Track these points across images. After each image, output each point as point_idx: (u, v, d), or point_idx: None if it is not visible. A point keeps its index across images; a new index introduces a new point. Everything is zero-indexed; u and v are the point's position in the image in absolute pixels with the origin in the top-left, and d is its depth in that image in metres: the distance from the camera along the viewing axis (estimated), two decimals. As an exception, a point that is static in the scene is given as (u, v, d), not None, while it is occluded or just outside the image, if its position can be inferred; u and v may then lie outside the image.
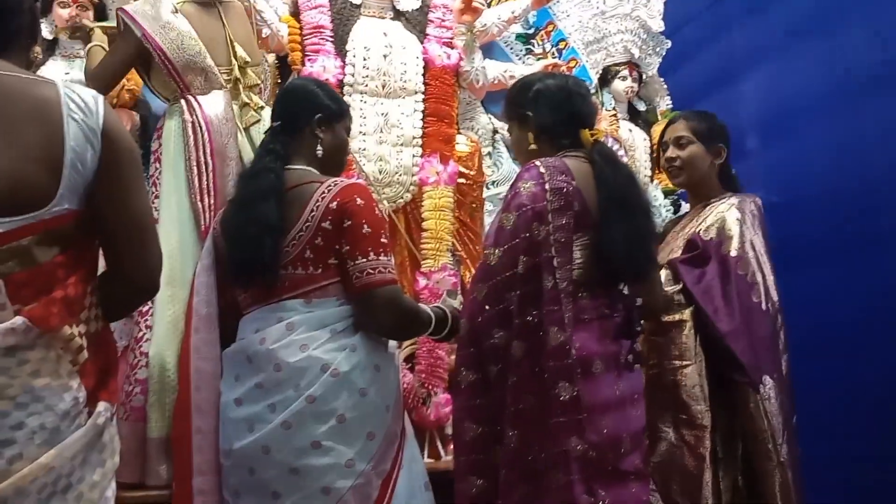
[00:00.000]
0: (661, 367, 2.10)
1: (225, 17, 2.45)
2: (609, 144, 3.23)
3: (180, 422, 1.84)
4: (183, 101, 2.34)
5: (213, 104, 2.35)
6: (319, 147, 1.90)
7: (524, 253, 1.73)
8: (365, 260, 1.73)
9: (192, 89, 2.35)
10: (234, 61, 2.43)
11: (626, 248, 1.80)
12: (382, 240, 1.77)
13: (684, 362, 2.09)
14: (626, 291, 1.89)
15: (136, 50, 2.31)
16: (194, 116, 2.30)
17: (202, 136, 2.28)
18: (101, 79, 2.31)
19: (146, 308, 2.17)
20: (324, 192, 1.78)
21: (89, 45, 2.46)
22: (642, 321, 2.04)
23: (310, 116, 1.90)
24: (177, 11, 2.34)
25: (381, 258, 1.74)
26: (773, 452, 2.04)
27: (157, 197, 2.28)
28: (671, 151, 2.35)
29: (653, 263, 1.94)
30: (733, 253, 2.17)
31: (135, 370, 2.14)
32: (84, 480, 1.19)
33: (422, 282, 2.72)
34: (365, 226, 1.74)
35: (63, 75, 2.78)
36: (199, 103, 2.32)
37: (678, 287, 2.15)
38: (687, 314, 2.13)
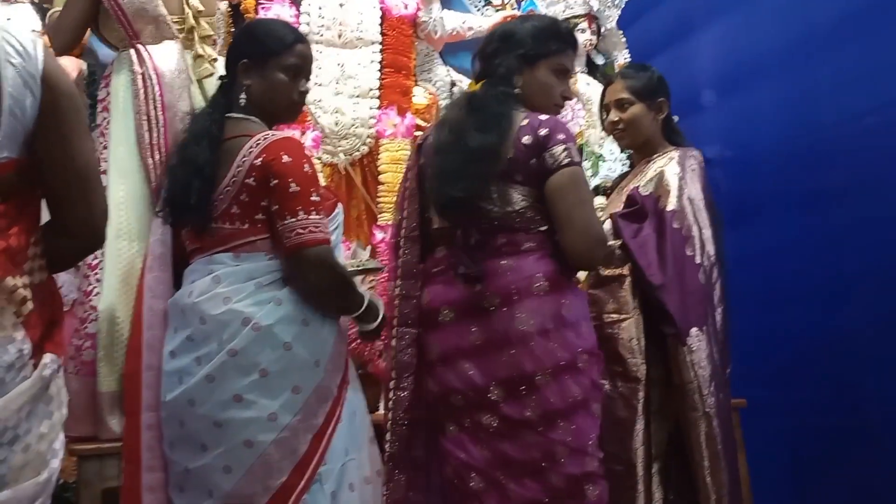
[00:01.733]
0: (600, 321, 2.12)
1: None
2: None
3: (132, 359, 1.82)
4: (132, 51, 2.25)
5: (165, 56, 2.27)
6: (243, 95, 1.81)
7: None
8: (294, 220, 1.67)
9: (142, 38, 2.26)
10: (187, 10, 2.35)
11: (434, 187, 1.86)
12: (313, 198, 1.70)
13: (622, 316, 2.13)
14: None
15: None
16: (144, 68, 2.22)
17: (153, 89, 2.20)
18: (63, 31, 2.24)
19: (95, 261, 2.13)
20: (251, 147, 1.72)
21: (50, 12, 2.36)
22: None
23: (235, 63, 1.84)
24: None
25: (311, 216, 1.68)
26: (699, 402, 2.08)
27: (105, 147, 2.22)
28: (613, 114, 2.34)
29: (469, 197, 1.79)
30: (670, 207, 2.20)
31: (85, 324, 2.11)
32: (31, 432, 1.18)
33: (378, 235, 2.72)
34: (292, 184, 1.68)
35: (5, 20, 2.66)
36: (149, 54, 2.24)
37: (618, 242, 2.17)
38: (626, 269, 2.16)
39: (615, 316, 2.14)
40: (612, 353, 2.09)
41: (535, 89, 1.88)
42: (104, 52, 2.68)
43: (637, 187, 2.28)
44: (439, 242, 1.91)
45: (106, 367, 2.07)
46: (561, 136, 1.78)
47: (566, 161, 1.77)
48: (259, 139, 1.74)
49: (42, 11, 2.77)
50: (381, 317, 1.86)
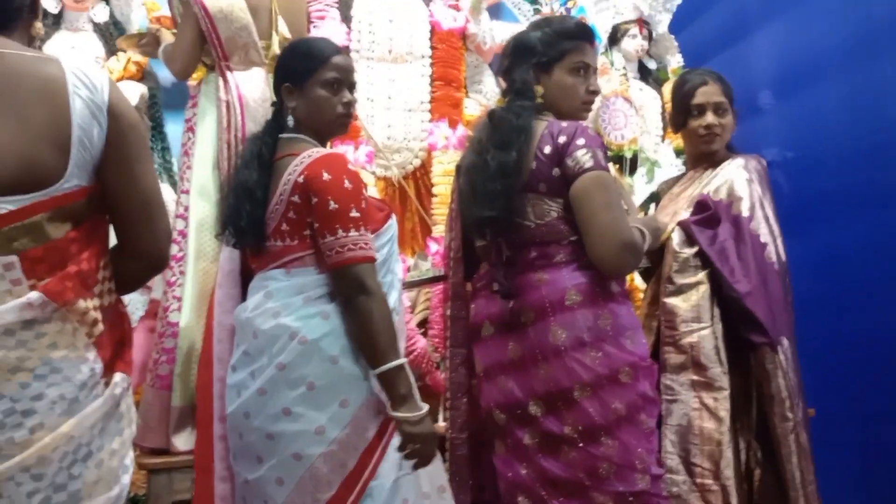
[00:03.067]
0: (677, 330, 2.09)
1: None
2: (620, 104, 3.22)
3: (204, 371, 1.88)
4: (220, 77, 2.26)
5: (251, 83, 2.28)
6: (291, 117, 1.85)
7: None
8: (333, 238, 1.68)
9: (230, 62, 2.27)
10: (274, 36, 2.37)
11: (469, 212, 1.87)
12: (352, 214, 1.69)
13: (702, 325, 2.09)
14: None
15: (196, 15, 2.23)
16: (230, 96, 2.23)
17: (236, 119, 2.21)
18: (180, 56, 2.27)
19: (173, 279, 2.19)
20: (296, 165, 1.75)
21: (162, 45, 2.41)
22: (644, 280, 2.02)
23: (279, 87, 1.87)
24: None
25: (350, 234, 1.68)
26: (790, 413, 2.04)
27: (188, 168, 2.26)
28: (712, 118, 2.26)
29: (498, 215, 1.79)
30: (745, 213, 2.15)
31: (162, 339, 2.17)
32: (103, 448, 1.23)
33: (433, 247, 2.73)
34: (331, 202, 1.69)
35: (69, 49, 2.78)
36: (235, 82, 2.25)
37: (694, 249, 2.13)
38: (702, 276, 2.11)
39: (695, 325, 2.09)
40: (694, 364, 2.07)
41: (556, 95, 1.86)
42: (164, 74, 2.77)
43: (707, 193, 2.22)
44: (483, 259, 1.92)
45: (181, 382, 2.13)
46: (581, 141, 1.74)
47: (589, 165, 1.72)
48: (304, 157, 1.76)
49: (104, 38, 2.88)
50: (419, 408, 1.68)
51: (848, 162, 2.98)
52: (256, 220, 1.77)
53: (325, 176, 1.71)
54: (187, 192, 2.23)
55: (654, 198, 2.55)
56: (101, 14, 2.91)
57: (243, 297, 1.91)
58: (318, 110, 1.85)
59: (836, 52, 3.05)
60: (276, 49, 2.35)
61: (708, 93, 2.27)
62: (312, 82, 1.84)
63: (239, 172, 1.84)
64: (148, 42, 2.48)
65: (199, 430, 1.89)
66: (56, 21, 2.88)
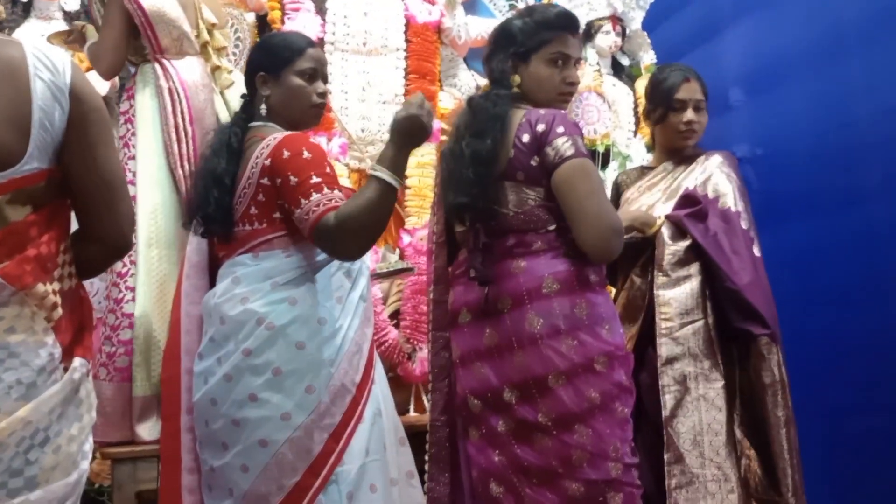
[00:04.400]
0: (672, 322, 2.11)
1: None
2: (593, 100, 3.24)
3: (169, 364, 1.87)
4: (157, 65, 2.30)
5: (190, 69, 2.33)
6: (263, 106, 1.86)
7: None
8: (299, 210, 1.67)
9: (166, 53, 2.31)
10: (201, 24, 2.40)
11: (443, 194, 1.89)
12: (313, 181, 1.66)
13: (695, 317, 2.11)
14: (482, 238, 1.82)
15: (124, 13, 2.25)
16: (171, 82, 2.26)
17: (180, 103, 2.25)
18: (106, 53, 2.27)
19: (125, 269, 2.18)
20: (262, 149, 1.76)
21: (88, 43, 2.41)
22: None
23: (252, 77, 1.89)
24: None
25: (312, 198, 1.65)
26: (784, 405, 2.08)
27: (131, 158, 2.27)
28: (692, 115, 2.29)
29: (471, 202, 1.79)
30: (733, 207, 2.18)
31: (117, 331, 2.16)
32: (61, 434, 1.21)
33: (405, 239, 2.74)
34: (291, 177, 1.68)
35: (39, 37, 2.75)
36: (175, 68, 2.29)
37: (686, 243, 2.14)
38: (695, 269, 2.13)
39: (688, 318, 2.11)
40: (691, 356, 2.08)
41: (532, 85, 1.86)
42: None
43: (693, 187, 2.24)
44: (462, 245, 1.92)
45: (142, 371, 2.12)
46: (560, 129, 1.74)
47: (570, 153, 1.72)
48: (269, 140, 1.77)
49: (68, 29, 2.85)
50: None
51: (814, 160, 3.00)
52: (224, 206, 1.77)
53: (285, 154, 1.72)
54: (133, 182, 2.22)
55: (615, 191, 2.54)
56: (72, 2, 2.90)
57: (211, 287, 1.90)
58: (293, 99, 1.86)
59: (804, 52, 3.07)
60: (205, 36, 2.40)
61: (690, 90, 2.31)
62: (288, 72, 1.86)
63: (207, 161, 1.84)
64: (74, 39, 2.47)
65: (165, 423, 1.87)
66: (26, 9, 2.86)
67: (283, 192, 1.71)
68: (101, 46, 2.31)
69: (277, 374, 1.67)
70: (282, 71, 1.86)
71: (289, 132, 1.81)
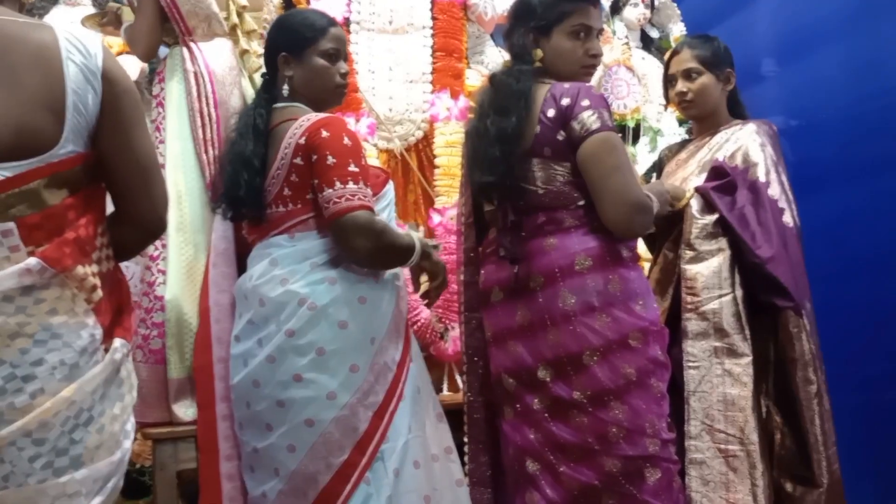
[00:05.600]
0: (699, 296, 2.08)
1: None
2: (622, 74, 3.20)
3: (201, 353, 1.88)
4: (185, 49, 2.30)
5: (217, 53, 2.32)
6: (286, 86, 1.86)
7: None
8: (331, 190, 1.69)
9: (194, 35, 2.31)
10: (231, 6, 2.40)
11: (470, 173, 1.87)
12: (350, 168, 1.70)
13: (723, 291, 2.07)
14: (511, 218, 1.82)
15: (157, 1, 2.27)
16: (197, 66, 2.27)
17: (205, 87, 2.25)
18: (142, 37, 2.29)
19: (156, 253, 2.20)
20: (296, 129, 1.76)
21: (124, 25, 2.42)
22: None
23: (274, 57, 1.88)
24: None
25: (348, 186, 1.68)
26: (815, 377, 2.05)
27: (161, 142, 2.28)
28: (681, 85, 2.29)
29: (499, 181, 1.79)
30: (762, 178, 2.14)
31: (150, 314, 2.18)
32: (104, 414, 1.24)
33: (436, 218, 2.73)
34: (329, 157, 1.70)
35: (67, 23, 2.77)
36: (201, 52, 2.29)
37: (714, 216, 2.11)
38: (723, 242, 2.10)
39: (716, 292, 2.08)
40: (717, 330, 2.06)
41: (555, 59, 1.83)
42: (164, 50, 2.76)
43: (722, 159, 2.21)
44: (491, 224, 1.91)
45: (175, 354, 2.14)
46: (585, 103, 1.72)
47: (595, 126, 1.70)
48: (303, 121, 1.77)
49: (102, 11, 2.87)
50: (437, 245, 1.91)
51: (849, 128, 2.96)
52: (255, 188, 1.78)
53: (324, 133, 1.73)
54: (162, 166, 2.23)
55: (658, 165, 2.54)
56: (99, -11, 2.91)
57: (238, 275, 1.91)
58: (317, 79, 1.87)
59: (836, 19, 3.01)
60: (234, 19, 2.39)
61: (678, 61, 2.31)
62: (311, 52, 1.86)
63: (234, 144, 1.85)
64: (109, 21, 2.49)
65: (201, 412, 1.90)
66: (54, -6, 2.88)
67: (318, 168, 1.72)
68: (136, 29, 2.33)
69: (321, 354, 1.68)
70: (304, 51, 1.86)
71: (324, 114, 1.82)
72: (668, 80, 2.36)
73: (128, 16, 2.43)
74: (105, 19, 2.49)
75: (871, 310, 2.80)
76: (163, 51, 2.49)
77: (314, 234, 1.76)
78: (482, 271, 1.92)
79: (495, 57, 3.11)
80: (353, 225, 1.68)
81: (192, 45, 2.30)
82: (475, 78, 2.96)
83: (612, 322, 1.70)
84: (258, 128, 1.82)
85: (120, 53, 2.69)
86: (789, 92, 3.20)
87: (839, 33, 2.98)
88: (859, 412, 2.80)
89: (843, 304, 2.75)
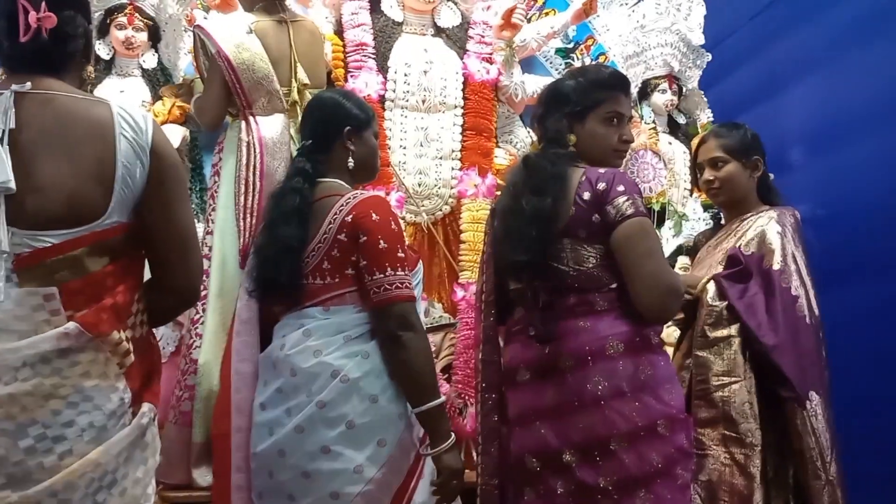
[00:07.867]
0: (708, 384, 2.07)
1: (294, 36, 2.48)
2: (649, 158, 3.25)
3: (221, 421, 1.90)
4: (243, 121, 2.38)
5: (271, 127, 2.39)
6: (351, 159, 1.94)
7: None
8: (383, 276, 1.74)
9: (254, 108, 2.39)
10: (293, 83, 2.47)
11: (502, 258, 1.88)
12: (399, 254, 1.77)
13: (732, 378, 2.06)
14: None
15: (224, 73, 2.36)
16: (250, 137, 2.34)
17: (254, 157, 2.32)
18: (209, 108, 2.41)
19: (197, 317, 2.24)
20: (342, 205, 1.81)
21: (195, 96, 2.55)
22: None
23: (339, 130, 1.94)
24: (251, 31, 2.40)
25: (398, 273, 1.75)
26: (822, 470, 2.00)
27: (214, 209, 2.35)
28: (708, 174, 2.31)
29: (532, 259, 1.79)
30: (776, 266, 2.14)
31: (185, 376, 2.21)
32: (128, 477, 1.26)
33: (459, 293, 2.76)
34: (381, 241, 1.76)
35: (118, 92, 2.90)
36: (257, 125, 2.36)
37: (724, 303, 2.11)
38: (734, 330, 2.09)
39: (725, 379, 2.07)
40: (725, 418, 2.04)
41: (589, 143, 1.87)
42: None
43: (738, 247, 2.21)
44: (517, 303, 1.93)
45: (201, 418, 2.16)
46: (621, 188, 1.75)
47: (630, 212, 1.73)
48: (349, 198, 1.83)
49: (152, 83, 3.01)
50: (451, 438, 1.77)
51: (880, 219, 2.96)
52: (296, 272, 1.82)
53: (374, 216, 1.79)
54: (211, 232, 2.31)
55: (682, 250, 2.55)
56: (150, 61, 3.04)
57: (262, 344, 1.93)
58: (373, 157, 2.02)
59: (867, 109, 3.04)
60: (295, 96, 2.46)
61: (705, 150, 2.34)
62: (369, 131, 2.00)
63: (275, 227, 1.86)
64: (184, 92, 2.61)
65: (216, 481, 1.90)
66: (108, 66, 3.02)
67: (367, 251, 1.77)
68: (204, 100, 2.44)
69: (351, 427, 1.69)
70: (364, 129, 1.98)
71: (369, 192, 1.93)
72: (696, 168, 2.39)
73: (199, 87, 2.55)
74: (181, 90, 2.62)
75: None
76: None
77: (350, 309, 1.79)
78: (507, 350, 1.92)
79: (524, 137, 3.19)
80: (401, 314, 1.75)
81: (250, 118, 2.38)
82: (503, 157, 3.03)
83: (641, 408, 1.69)
84: (301, 210, 1.85)
85: (164, 123, 2.81)
86: (818, 181, 3.21)
87: (868, 123, 3.01)
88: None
89: (870, 402, 2.70)
